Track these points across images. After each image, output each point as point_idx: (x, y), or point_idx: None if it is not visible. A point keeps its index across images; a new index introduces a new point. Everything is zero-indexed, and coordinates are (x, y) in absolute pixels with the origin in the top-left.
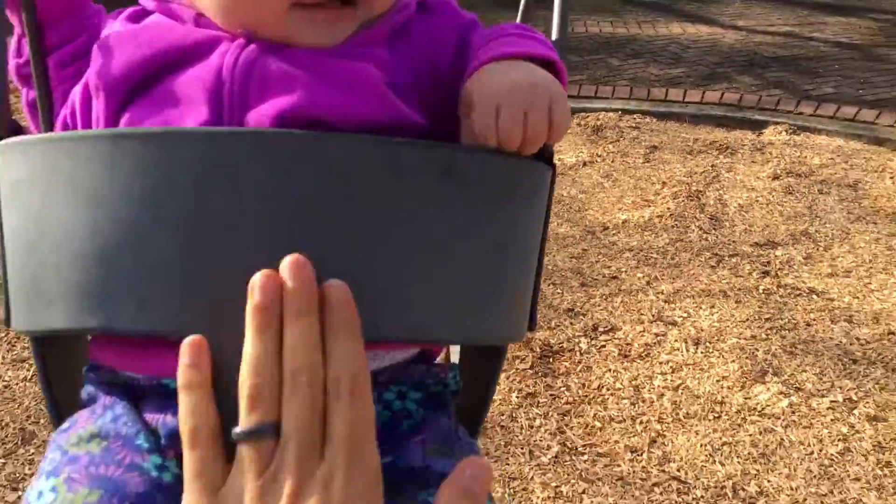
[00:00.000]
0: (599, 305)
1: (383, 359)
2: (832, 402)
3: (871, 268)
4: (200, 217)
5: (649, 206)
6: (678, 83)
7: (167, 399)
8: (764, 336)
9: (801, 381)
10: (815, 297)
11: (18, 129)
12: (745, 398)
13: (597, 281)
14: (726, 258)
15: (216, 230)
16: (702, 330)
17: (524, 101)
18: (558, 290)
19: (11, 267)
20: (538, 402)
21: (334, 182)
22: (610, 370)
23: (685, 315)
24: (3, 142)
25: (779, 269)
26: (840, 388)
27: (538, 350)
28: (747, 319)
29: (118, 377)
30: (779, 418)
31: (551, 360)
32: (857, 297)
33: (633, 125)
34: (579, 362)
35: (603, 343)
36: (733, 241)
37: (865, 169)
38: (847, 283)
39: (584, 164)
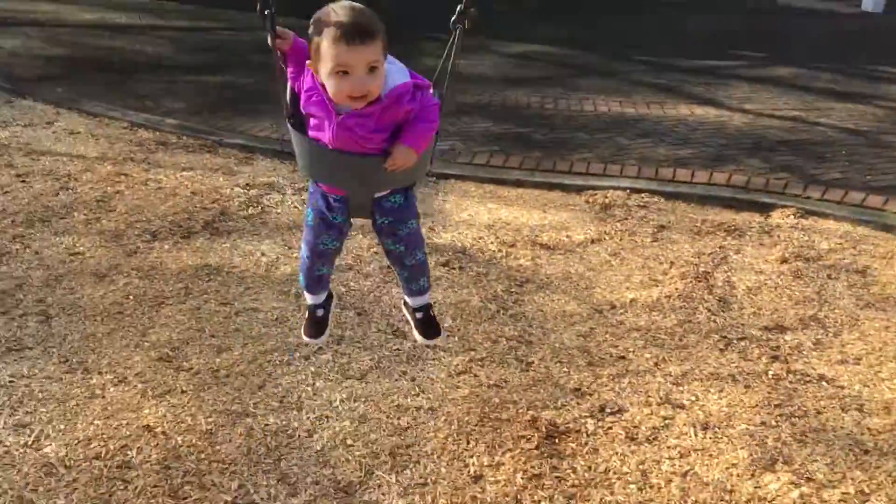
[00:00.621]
0: (607, 386)
1: (388, 190)
2: (843, 493)
3: (881, 356)
4: (325, 163)
5: (657, 286)
6: (686, 164)
7: (336, 200)
8: (773, 423)
9: (812, 472)
10: (824, 384)
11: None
12: (755, 487)
13: (604, 360)
14: (735, 341)
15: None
16: (710, 414)
17: (406, 162)
18: (565, 369)
19: (298, 153)
20: (543, 483)
21: (359, 169)
22: (617, 453)
23: (693, 398)
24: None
25: (788, 354)
26: (852, 479)
27: (544, 430)
28: (756, 405)
29: (322, 191)
30: None
31: (557, 440)
32: (868, 386)
33: (642, 204)
34: (586, 444)
35: (610, 425)
36: (742, 324)
37: (874, 255)
38: (857, 371)
39: (592, 241)
